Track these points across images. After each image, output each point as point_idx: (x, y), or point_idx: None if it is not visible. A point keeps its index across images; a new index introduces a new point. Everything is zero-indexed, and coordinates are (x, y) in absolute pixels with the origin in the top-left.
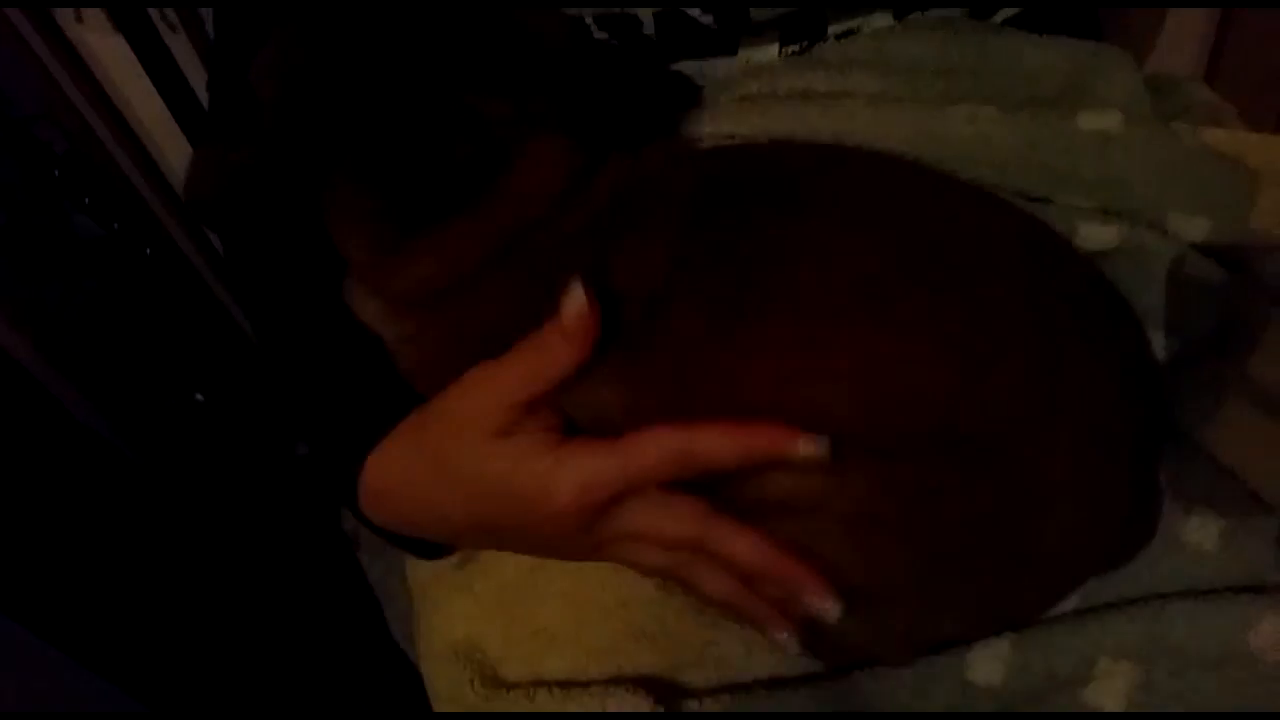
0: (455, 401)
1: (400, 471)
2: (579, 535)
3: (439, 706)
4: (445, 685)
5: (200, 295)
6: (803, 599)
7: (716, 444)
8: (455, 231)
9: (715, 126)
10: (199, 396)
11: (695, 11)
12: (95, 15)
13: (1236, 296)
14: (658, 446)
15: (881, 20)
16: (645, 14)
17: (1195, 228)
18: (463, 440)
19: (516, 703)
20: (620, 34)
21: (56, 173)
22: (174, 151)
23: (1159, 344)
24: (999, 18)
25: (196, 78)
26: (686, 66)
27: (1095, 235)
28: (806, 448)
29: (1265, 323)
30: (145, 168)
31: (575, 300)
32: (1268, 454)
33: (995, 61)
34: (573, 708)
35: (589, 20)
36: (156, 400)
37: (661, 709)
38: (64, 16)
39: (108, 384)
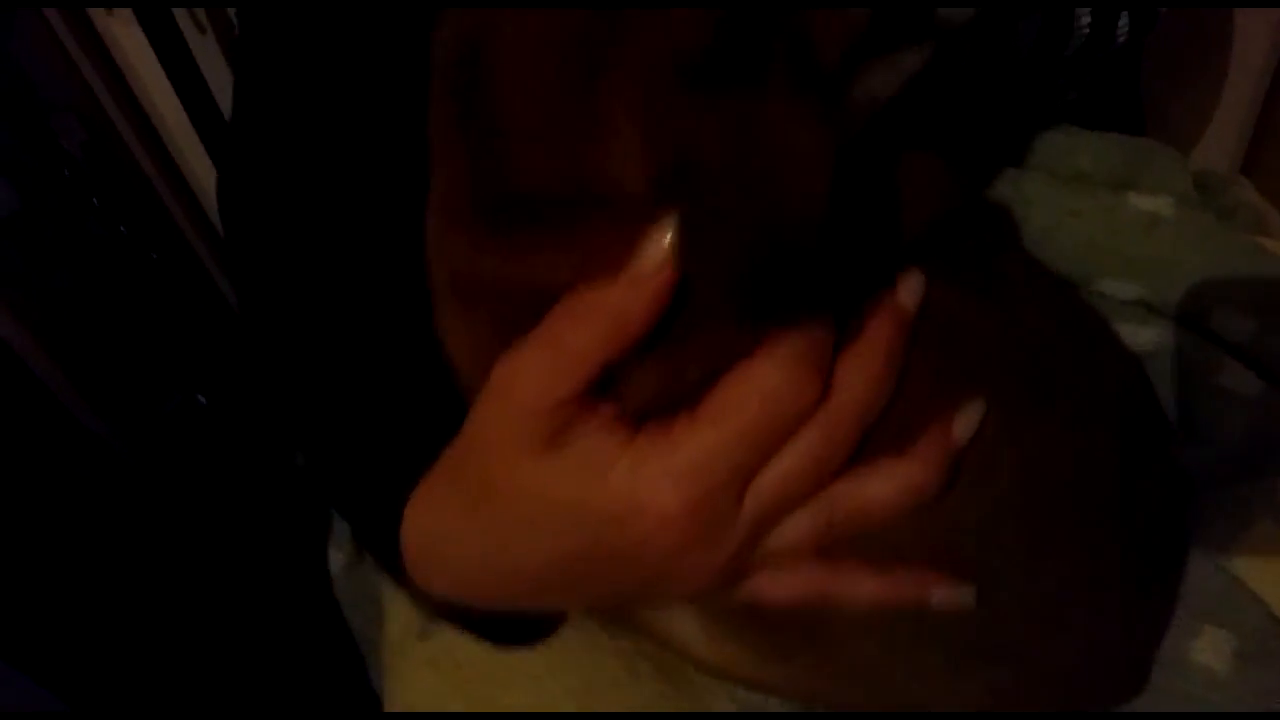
0: (483, 416)
1: (446, 522)
2: (707, 551)
3: None
4: None
5: (209, 296)
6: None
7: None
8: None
9: None
10: (201, 399)
11: None
12: (124, 9)
13: (1273, 410)
14: (759, 392)
15: None
16: None
17: (1241, 328)
18: (507, 465)
19: None
20: None
21: (66, 173)
22: (193, 150)
23: (1190, 455)
24: None
25: (219, 80)
26: None
27: (1132, 337)
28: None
29: None
30: (163, 164)
31: (659, 243)
32: None
33: (1047, 149)
34: None
35: None
36: (158, 401)
37: None
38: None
39: (109, 382)
